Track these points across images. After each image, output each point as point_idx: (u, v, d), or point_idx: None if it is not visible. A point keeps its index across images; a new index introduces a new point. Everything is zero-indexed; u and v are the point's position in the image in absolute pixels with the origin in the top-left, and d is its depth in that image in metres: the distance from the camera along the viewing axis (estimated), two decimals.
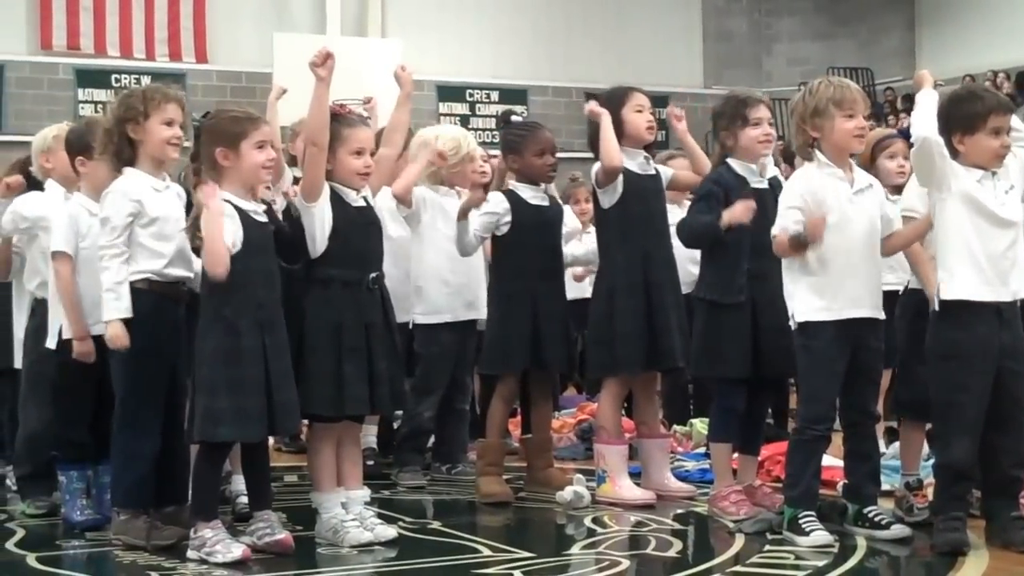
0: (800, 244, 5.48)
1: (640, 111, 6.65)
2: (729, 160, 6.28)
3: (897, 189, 6.25)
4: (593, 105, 6.61)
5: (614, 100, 6.69)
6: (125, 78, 19.73)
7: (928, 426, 5.90)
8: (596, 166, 6.59)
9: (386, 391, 5.80)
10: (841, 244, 5.52)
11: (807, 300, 5.54)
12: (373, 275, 5.79)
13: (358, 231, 5.81)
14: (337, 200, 5.77)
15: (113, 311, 5.61)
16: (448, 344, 7.23)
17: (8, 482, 7.15)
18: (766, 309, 6.04)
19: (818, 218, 5.46)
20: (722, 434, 6.29)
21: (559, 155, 6.97)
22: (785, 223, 5.55)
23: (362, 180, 5.86)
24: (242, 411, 5.36)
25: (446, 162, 7.14)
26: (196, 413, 5.42)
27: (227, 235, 5.36)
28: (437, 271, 7.19)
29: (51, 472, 6.47)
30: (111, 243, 5.66)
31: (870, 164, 6.34)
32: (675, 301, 6.60)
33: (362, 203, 5.88)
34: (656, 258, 6.57)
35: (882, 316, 5.64)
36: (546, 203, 6.87)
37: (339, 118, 5.84)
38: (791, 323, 5.61)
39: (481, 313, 7.26)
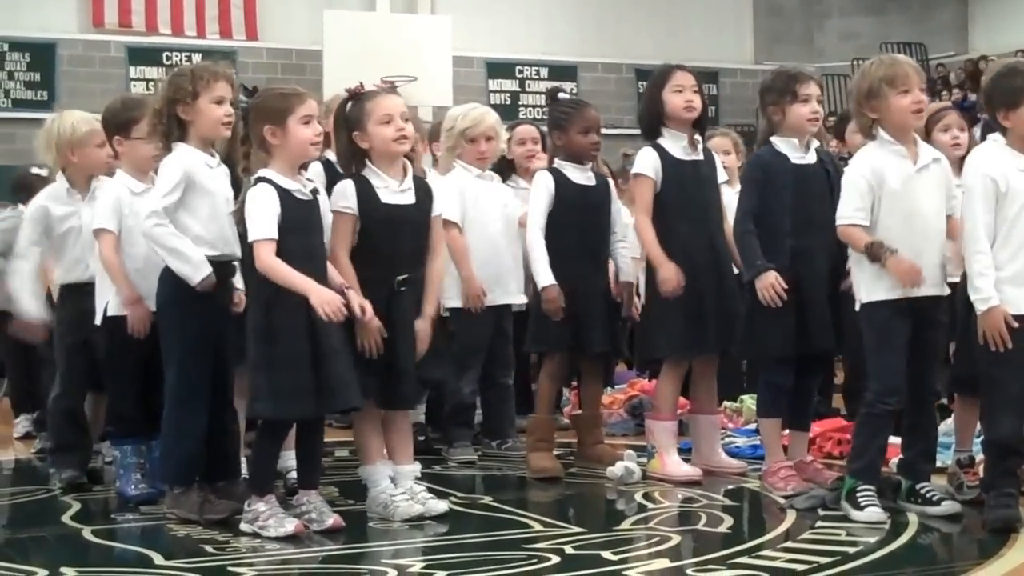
0: (874, 257, 5.44)
1: (680, 91, 6.56)
2: (772, 139, 6.25)
3: (954, 161, 6.21)
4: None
5: (655, 81, 6.67)
6: (176, 56, 19.81)
7: None
8: (640, 162, 6.57)
9: (408, 390, 5.75)
10: (903, 223, 5.48)
11: (870, 281, 5.51)
12: (401, 277, 5.71)
13: (385, 231, 5.72)
14: (365, 194, 5.71)
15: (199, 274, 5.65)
16: (482, 325, 7.25)
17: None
18: (811, 284, 6.04)
19: (915, 270, 5.41)
20: (770, 410, 6.30)
21: (609, 131, 6.97)
22: (848, 212, 5.53)
23: (399, 146, 5.74)
24: (278, 389, 5.36)
25: None
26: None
27: (269, 226, 5.38)
28: (472, 257, 7.21)
29: (76, 444, 6.67)
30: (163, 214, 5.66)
31: (926, 138, 6.30)
32: (719, 285, 6.53)
33: (399, 199, 5.76)
34: (696, 243, 6.51)
35: (945, 292, 5.62)
36: (592, 183, 6.83)
37: (359, 96, 5.79)
38: (856, 305, 5.61)
39: (516, 296, 7.36)
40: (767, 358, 6.26)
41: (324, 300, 5.27)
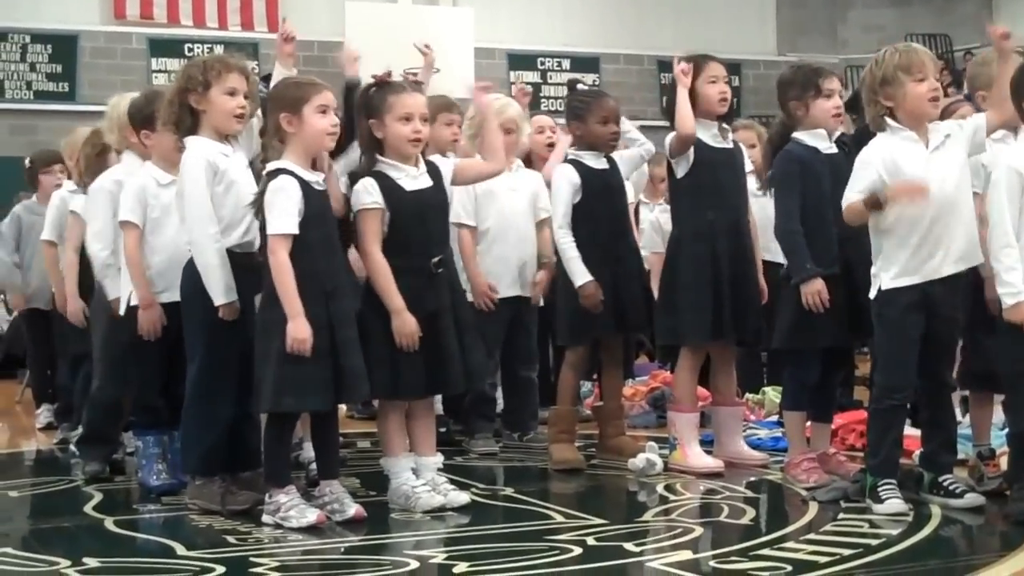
0: (876, 204, 5.42)
1: (714, 82, 6.58)
2: (796, 135, 6.22)
3: None
4: (681, 67, 6.54)
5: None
6: (198, 47, 19.79)
7: (1002, 396, 5.85)
8: (670, 135, 6.56)
9: (455, 372, 5.77)
10: (925, 207, 5.43)
11: (887, 268, 5.50)
12: (436, 259, 5.74)
13: (413, 217, 5.73)
14: (388, 186, 5.71)
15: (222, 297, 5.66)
16: (500, 317, 7.25)
17: (72, 447, 7.29)
18: (862, 270, 5.99)
19: (913, 185, 5.36)
20: (795, 403, 6.29)
21: (632, 123, 6.96)
22: (850, 195, 5.52)
23: (413, 146, 5.76)
24: (303, 382, 5.36)
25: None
26: (260, 383, 5.45)
27: (290, 221, 5.38)
28: (490, 250, 7.21)
29: (106, 437, 6.71)
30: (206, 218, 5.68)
31: None
32: (741, 274, 6.54)
33: (419, 184, 5.78)
34: (723, 230, 6.52)
35: (978, 261, 5.57)
36: (607, 166, 6.85)
37: (384, 85, 5.80)
38: (871, 293, 5.59)
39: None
40: (814, 349, 6.17)
41: (296, 337, 5.30)
